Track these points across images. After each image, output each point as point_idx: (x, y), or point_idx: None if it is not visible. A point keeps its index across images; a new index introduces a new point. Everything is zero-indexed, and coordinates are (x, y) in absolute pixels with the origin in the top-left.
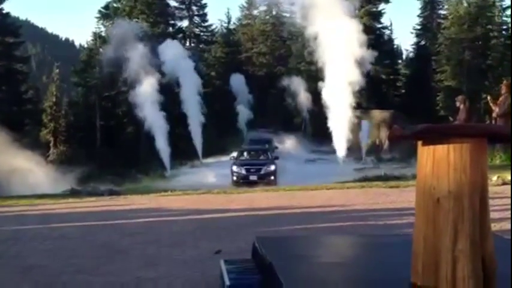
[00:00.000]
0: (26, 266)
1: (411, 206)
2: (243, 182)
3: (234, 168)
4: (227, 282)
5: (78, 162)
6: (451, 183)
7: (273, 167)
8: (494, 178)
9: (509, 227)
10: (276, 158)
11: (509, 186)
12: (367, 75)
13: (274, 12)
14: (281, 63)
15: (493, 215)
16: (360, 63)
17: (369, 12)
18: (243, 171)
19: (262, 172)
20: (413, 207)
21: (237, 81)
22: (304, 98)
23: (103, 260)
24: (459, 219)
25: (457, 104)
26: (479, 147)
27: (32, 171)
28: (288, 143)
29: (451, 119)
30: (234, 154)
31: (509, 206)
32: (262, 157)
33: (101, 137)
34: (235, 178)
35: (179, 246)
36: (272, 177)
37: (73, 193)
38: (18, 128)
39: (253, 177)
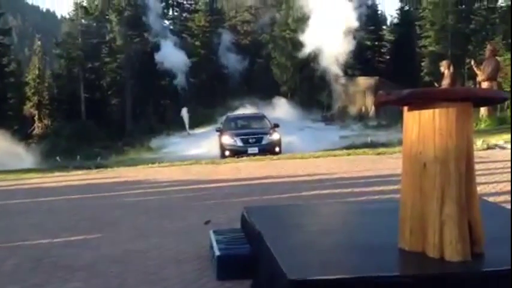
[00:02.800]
0: (14, 241)
1: (398, 173)
2: (239, 156)
3: (226, 139)
4: (217, 253)
5: (64, 136)
6: (437, 148)
7: (277, 136)
8: (479, 143)
9: (502, 190)
10: (276, 125)
11: (494, 151)
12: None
13: None
14: (266, 31)
15: (478, 179)
16: (344, 30)
17: None
18: (239, 143)
19: (264, 142)
20: (400, 174)
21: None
22: (290, 66)
23: (93, 233)
24: (446, 184)
25: (442, 69)
26: (465, 112)
27: (17, 146)
28: (278, 112)
29: (436, 84)
30: (220, 124)
31: (495, 171)
32: (258, 125)
33: (86, 110)
34: (227, 153)
35: (168, 217)
36: (277, 149)
37: (60, 167)
38: (2, 101)
39: (253, 150)
